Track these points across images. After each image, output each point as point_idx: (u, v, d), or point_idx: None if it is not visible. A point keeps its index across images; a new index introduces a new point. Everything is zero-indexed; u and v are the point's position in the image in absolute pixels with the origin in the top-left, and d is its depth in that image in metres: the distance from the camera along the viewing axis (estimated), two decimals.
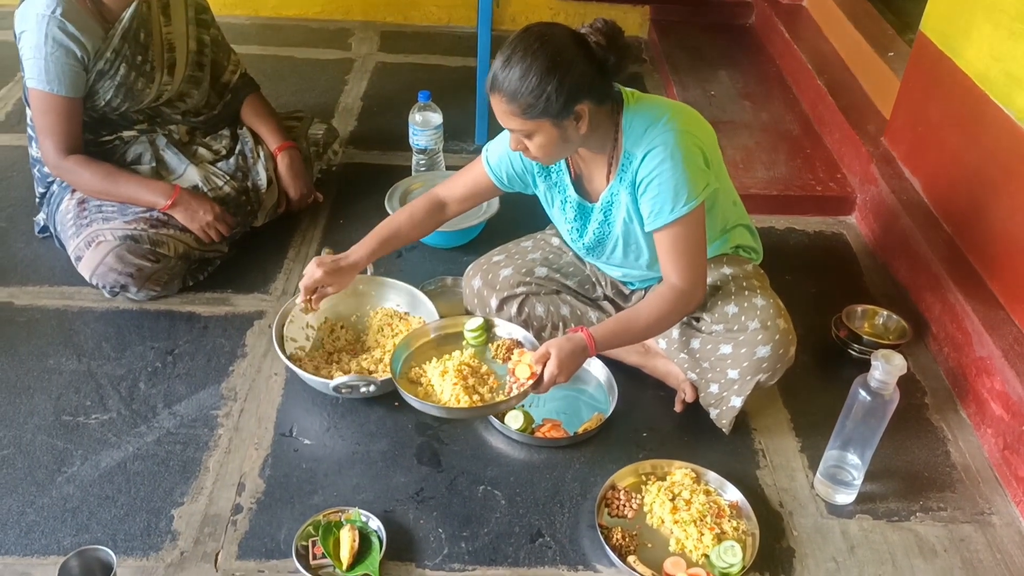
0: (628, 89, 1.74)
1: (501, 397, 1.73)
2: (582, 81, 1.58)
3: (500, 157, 1.90)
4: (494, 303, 1.98)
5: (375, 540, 1.62)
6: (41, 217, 2.34)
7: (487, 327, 1.90)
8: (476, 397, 1.73)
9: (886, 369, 1.60)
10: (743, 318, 1.80)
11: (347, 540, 1.59)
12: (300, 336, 2.02)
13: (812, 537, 1.71)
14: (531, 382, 1.69)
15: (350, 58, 3.59)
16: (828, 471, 1.79)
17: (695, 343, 1.86)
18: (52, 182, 2.26)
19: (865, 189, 2.65)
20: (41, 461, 1.75)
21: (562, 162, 1.85)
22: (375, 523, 1.64)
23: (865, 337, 2.10)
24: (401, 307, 2.10)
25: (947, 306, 2.11)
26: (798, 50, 3.36)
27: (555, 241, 2.09)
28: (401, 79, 3.44)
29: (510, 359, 1.80)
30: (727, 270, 1.92)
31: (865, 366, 2.08)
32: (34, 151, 2.26)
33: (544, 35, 1.57)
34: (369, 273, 2.10)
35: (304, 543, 1.61)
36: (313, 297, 1.90)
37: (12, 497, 1.67)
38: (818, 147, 2.96)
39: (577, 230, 1.91)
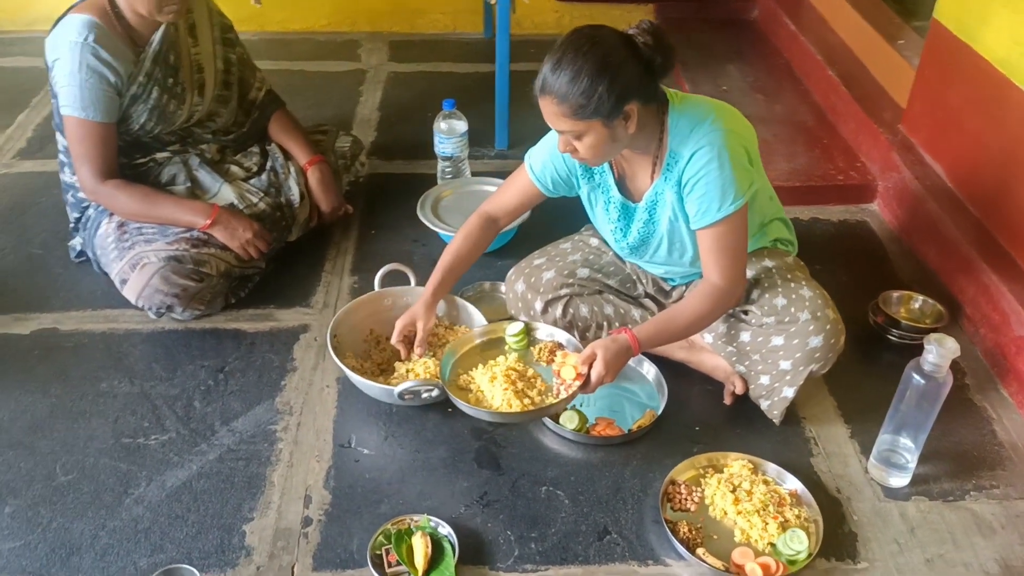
0: (671, 89, 1.77)
1: (551, 399, 1.76)
2: (631, 82, 1.61)
3: (543, 163, 1.93)
4: (539, 306, 2.01)
5: (447, 545, 1.64)
6: (77, 242, 2.35)
7: (528, 331, 1.92)
8: (527, 401, 1.75)
9: (940, 352, 1.63)
10: (792, 310, 1.84)
11: (420, 547, 1.61)
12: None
13: (872, 521, 1.75)
14: (579, 383, 1.72)
15: (361, 69, 3.62)
16: (882, 455, 1.82)
17: (745, 336, 1.90)
18: (87, 207, 2.27)
19: (887, 176, 2.69)
20: (107, 484, 1.77)
21: (606, 163, 1.88)
22: (445, 529, 1.67)
23: (903, 322, 2.14)
24: (444, 317, 2.12)
25: (981, 288, 2.15)
26: (806, 42, 3.40)
27: (593, 242, 2.12)
28: (415, 87, 3.46)
29: (553, 361, 1.83)
30: (769, 263, 1.95)
31: (905, 350, 2.13)
32: (67, 177, 2.27)
33: (594, 37, 1.60)
34: (412, 284, 2.12)
35: (377, 552, 1.63)
36: (415, 348, 1.94)
37: (83, 521, 1.69)
38: (834, 137, 3.00)
39: (621, 230, 1.94)
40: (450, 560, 1.61)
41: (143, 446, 1.85)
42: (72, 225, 2.35)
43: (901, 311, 2.21)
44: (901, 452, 1.80)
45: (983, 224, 2.28)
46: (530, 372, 1.83)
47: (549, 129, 1.83)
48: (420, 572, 1.59)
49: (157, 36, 2.12)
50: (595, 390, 1.75)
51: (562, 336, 1.91)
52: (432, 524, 1.68)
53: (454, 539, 1.65)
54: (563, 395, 1.73)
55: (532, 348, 1.90)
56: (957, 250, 2.27)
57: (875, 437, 1.86)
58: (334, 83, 3.48)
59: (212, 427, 1.91)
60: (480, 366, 1.85)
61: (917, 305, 2.22)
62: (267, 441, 1.88)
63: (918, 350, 2.12)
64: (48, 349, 2.10)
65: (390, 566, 1.61)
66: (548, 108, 1.64)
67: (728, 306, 1.83)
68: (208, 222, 2.15)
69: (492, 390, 1.77)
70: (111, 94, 2.07)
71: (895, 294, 2.23)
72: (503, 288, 2.15)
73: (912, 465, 1.80)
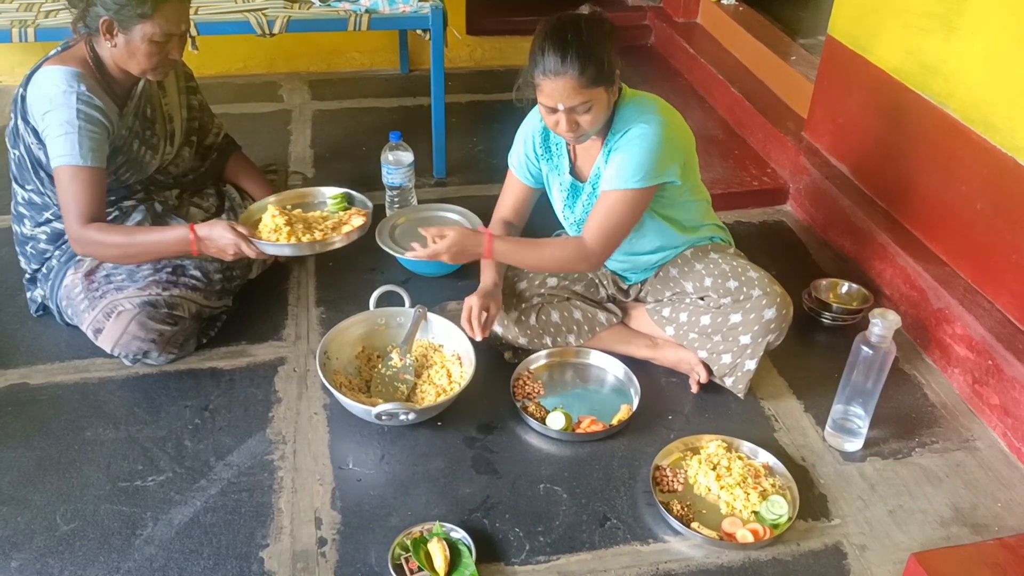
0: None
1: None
2: (617, 52, 1.84)
3: (519, 160, 2.14)
4: (514, 314, 2.16)
5: (463, 548, 1.73)
6: (38, 294, 2.31)
7: (347, 198, 2.28)
8: (305, 238, 2.12)
9: (885, 325, 1.85)
10: (745, 288, 2.04)
11: (438, 551, 1.69)
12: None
13: (837, 483, 1.94)
14: (348, 228, 2.18)
15: (286, 109, 3.66)
16: (836, 423, 2.03)
17: (705, 320, 2.08)
18: (49, 258, 2.24)
19: (797, 179, 2.95)
20: (112, 528, 1.77)
21: (564, 147, 2.08)
22: (458, 533, 1.75)
23: (834, 305, 2.38)
24: (436, 339, 2.21)
25: (898, 270, 2.41)
26: (705, 63, 3.68)
27: None
28: (343, 124, 3.54)
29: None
30: (715, 255, 2.15)
31: (838, 331, 2.37)
32: (27, 229, 2.24)
33: (578, 17, 1.82)
34: (407, 305, 2.21)
35: (397, 562, 1.70)
36: (482, 327, 2.05)
37: (95, 566, 1.69)
38: (744, 148, 3.27)
39: (569, 207, 2.14)
40: (469, 560, 1.70)
41: (141, 488, 1.86)
42: (29, 276, 2.31)
43: (831, 296, 2.45)
44: (853, 419, 2.01)
45: (891, 214, 2.55)
46: (322, 224, 2.22)
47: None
48: (442, 575, 1.67)
49: (138, 89, 2.14)
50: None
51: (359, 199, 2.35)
52: (445, 529, 1.76)
53: (469, 541, 1.73)
54: (333, 238, 2.17)
55: (344, 213, 2.28)
56: (872, 239, 2.53)
57: (825, 409, 2.07)
58: (261, 124, 3.52)
59: (208, 463, 1.93)
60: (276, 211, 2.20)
61: (844, 290, 2.46)
62: (266, 471, 1.91)
63: (850, 329, 2.38)
64: (21, 404, 2.06)
65: (412, 573, 1.68)
66: (566, 86, 1.79)
67: (578, 269, 2.08)
68: (192, 236, 2.04)
69: (270, 224, 2.16)
70: (104, 141, 2.05)
71: (824, 281, 2.47)
72: None
73: (864, 430, 2.01)
